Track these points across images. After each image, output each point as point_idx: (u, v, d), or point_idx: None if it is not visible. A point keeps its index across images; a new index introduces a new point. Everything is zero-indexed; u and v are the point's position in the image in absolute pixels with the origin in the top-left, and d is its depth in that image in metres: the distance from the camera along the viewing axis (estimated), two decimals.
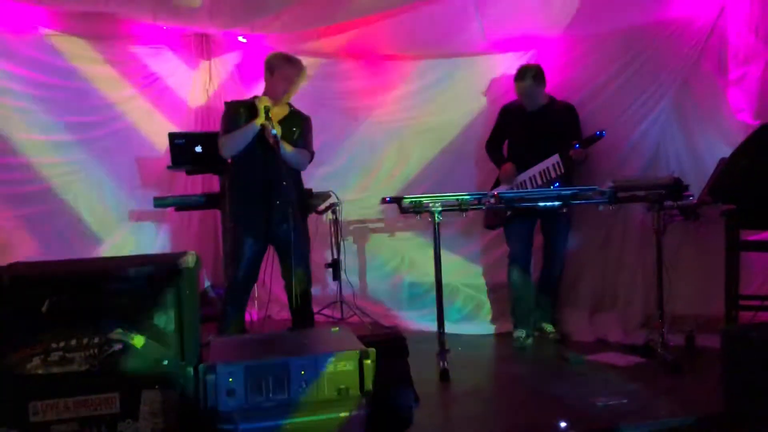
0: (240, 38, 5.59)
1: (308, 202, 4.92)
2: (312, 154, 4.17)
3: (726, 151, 4.11)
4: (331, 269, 5.27)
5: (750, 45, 4.23)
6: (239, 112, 3.99)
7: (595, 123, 4.66)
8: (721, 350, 3.00)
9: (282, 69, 3.99)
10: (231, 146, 3.92)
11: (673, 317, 4.26)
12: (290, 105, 4.14)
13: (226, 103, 4.14)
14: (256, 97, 4.08)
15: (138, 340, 2.33)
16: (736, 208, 3.97)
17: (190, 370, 2.41)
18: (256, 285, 4.83)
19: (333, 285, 5.34)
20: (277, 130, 3.80)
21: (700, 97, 4.59)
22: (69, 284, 2.34)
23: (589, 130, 4.54)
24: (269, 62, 4.04)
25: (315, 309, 5.20)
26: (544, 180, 4.49)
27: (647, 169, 4.70)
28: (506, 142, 4.87)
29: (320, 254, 5.35)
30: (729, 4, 4.37)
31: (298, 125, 4.07)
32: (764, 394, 2.65)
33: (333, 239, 5.31)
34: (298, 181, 4.13)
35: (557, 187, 4.37)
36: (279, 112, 4.00)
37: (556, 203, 4.04)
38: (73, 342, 2.24)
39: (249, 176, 3.94)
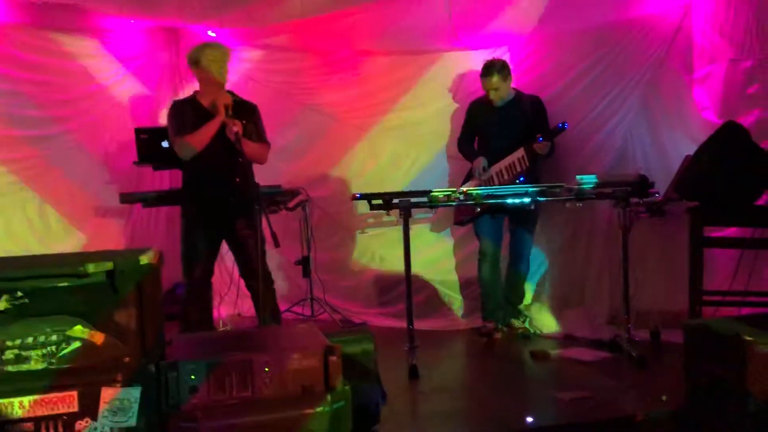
0: (209, 32, 5.53)
1: (277, 197, 4.90)
2: (269, 145, 4.12)
3: (691, 149, 4.17)
4: (301, 266, 5.24)
5: (714, 44, 4.29)
6: (186, 111, 3.93)
7: (564, 120, 4.68)
8: (683, 344, 3.04)
9: (206, 55, 3.94)
10: (193, 147, 3.85)
11: (638, 313, 4.31)
12: (233, 93, 4.09)
13: (172, 104, 4.08)
14: (196, 92, 4.04)
15: (98, 337, 2.29)
16: (699, 204, 4.03)
17: (152, 367, 2.37)
18: (224, 282, 4.83)
19: (303, 282, 5.31)
20: (238, 128, 3.75)
21: (666, 94, 4.65)
22: (26, 280, 2.28)
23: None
24: (190, 57, 4.00)
25: (285, 306, 5.20)
26: (511, 174, 4.52)
27: (615, 166, 4.75)
28: (477, 138, 4.89)
29: (290, 251, 5.31)
30: (694, 3, 4.43)
31: (247, 116, 4.01)
32: (724, 387, 2.69)
33: (303, 236, 5.29)
34: (253, 178, 4.08)
35: (522, 181, 4.40)
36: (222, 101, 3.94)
37: (525, 200, 4.06)
38: (30, 340, 2.18)
39: (206, 173, 3.90)
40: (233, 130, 3.71)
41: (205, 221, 3.92)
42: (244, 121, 3.93)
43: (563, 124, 4.36)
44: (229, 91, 4.05)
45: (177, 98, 4.25)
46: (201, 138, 3.84)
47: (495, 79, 4.57)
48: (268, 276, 4.05)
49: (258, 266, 3.69)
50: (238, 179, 3.73)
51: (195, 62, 3.98)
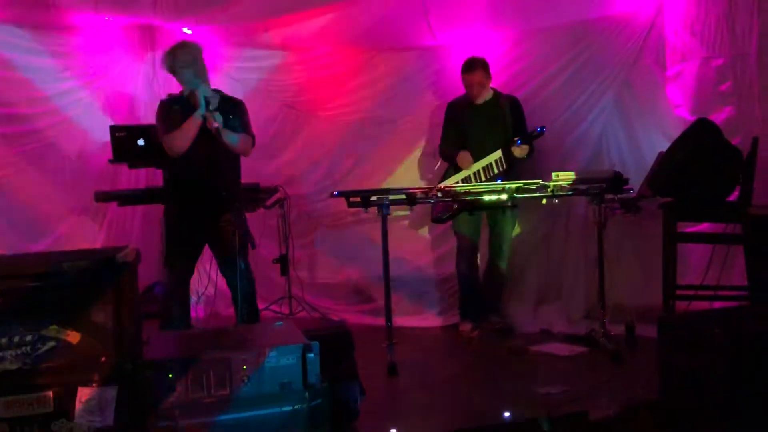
0: (185, 30, 5.49)
1: (255, 196, 4.88)
2: (253, 138, 4.11)
3: (665, 145, 4.24)
4: (279, 264, 5.23)
5: (686, 43, 4.35)
6: (174, 108, 3.90)
7: (540, 118, 4.74)
8: (657, 338, 3.09)
9: (178, 62, 3.91)
10: (180, 144, 3.82)
11: (614, 307, 4.36)
12: (220, 92, 4.07)
13: (159, 104, 4.05)
14: (183, 90, 4.01)
15: (74, 337, 2.27)
16: (673, 200, 4.09)
17: (129, 366, 2.36)
18: (201, 281, 4.81)
19: (281, 280, 5.30)
20: (218, 120, 3.73)
21: (640, 92, 4.71)
22: (1, 280, 2.26)
23: (533, 125, 4.60)
24: (165, 66, 3.97)
25: (263, 305, 5.19)
26: (488, 176, 4.55)
27: (590, 162, 4.81)
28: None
29: (269, 249, 5.30)
30: (666, 2, 4.49)
31: (232, 111, 3.98)
32: (696, 380, 2.73)
33: (281, 234, 5.28)
34: (238, 174, 4.07)
35: (500, 182, 4.41)
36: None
37: (502, 196, 4.10)
38: (4, 340, 2.17)
39: (190, 169, 3.88)
40: (214, 124, 3.69)
41: (188, 219, 3.89)
42: (230, 115, 3.91)
43: (542, 128, 4.37)
44: (215, 90, 4.02)
45: (163, 98, 4.20)
46: (184, 134, 3.81)
47: (478, 74, 4.60)
48: (249, 274, 4.03)
49: (240, 263, 3.68)
50: (222, 174, 3.70)
51: (171, 71, 3.96)
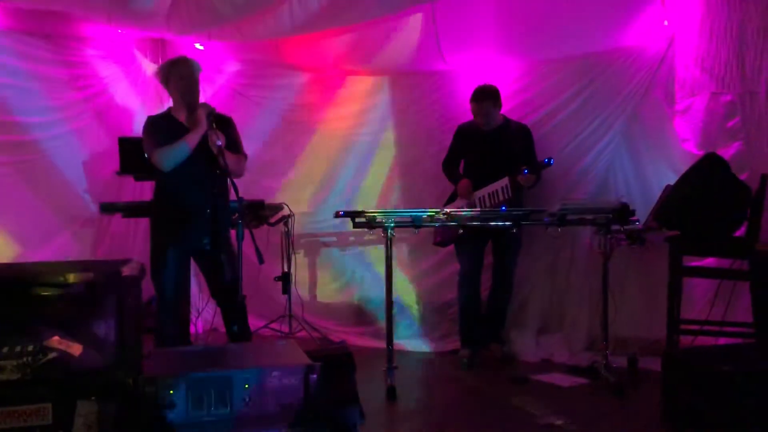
0: (197, 45, 5.52)
1: (260, 212, 4.87)
2: (246, 157, 3.98)
3: (672, 179, 4.24)
4: (280, 282, 5.20)
5: (695, 77, 4.38)
6: (161, 124, 3.82)
7: (547, 147, 4.74)
8: (661, 373, 3.07)
9: (174, 73, 3.84)
10: (173, 159, 3.71)
11: (617, 339, 4.34)
12: (208, 105, 3.99)
13: (148, 119, 3.97)
14: (170, 108, 3.94)
15: (75, 349, 2.25)
16: (679, 234, 4.08)
17: (130, 381, 2.33)
18: (202, 297, 4.78)
19: (282, 298, 5.28)
20: (222, 141, 3.61)
21: (648, 125, 4.72)
22: (3, 289, 2.24)
23: (541, 154, 4.59)
24: (159, 76, 3.93)
25: (263, 323, 5.16)
26: (493, 202, 4.52)
27: (597, 193, 4.80)
28: (462, 161, 4.92)
29: (270, 267, 5.27)
30: (677, 36, 4.52)
31: (223, 128, 3.82)
32: (700, 415, 2.71)
33: (284, 252, 5.26)
34: (227, 195, 3.89)
35: (504, 210, 4.40)
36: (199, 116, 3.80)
37: (507, 223, 4.08)
38: (6, 349, 2.14)
39: (181, 186, 3.76)
40: (216, 142, 3.61)
41: (177, 234, 3.81)
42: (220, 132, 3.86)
43: (549, 159, 4.34)
44: (203, 104, 3.89)
45: (152, 114, 4.11)
46: (180, 150, 3.67)
47: (486, 104, 4.60)
48: (239, 292, 3.91)
49: (228, 281, 3.61)
50: (213, 193, 3.62)
51: (165, 81, 3.88)
